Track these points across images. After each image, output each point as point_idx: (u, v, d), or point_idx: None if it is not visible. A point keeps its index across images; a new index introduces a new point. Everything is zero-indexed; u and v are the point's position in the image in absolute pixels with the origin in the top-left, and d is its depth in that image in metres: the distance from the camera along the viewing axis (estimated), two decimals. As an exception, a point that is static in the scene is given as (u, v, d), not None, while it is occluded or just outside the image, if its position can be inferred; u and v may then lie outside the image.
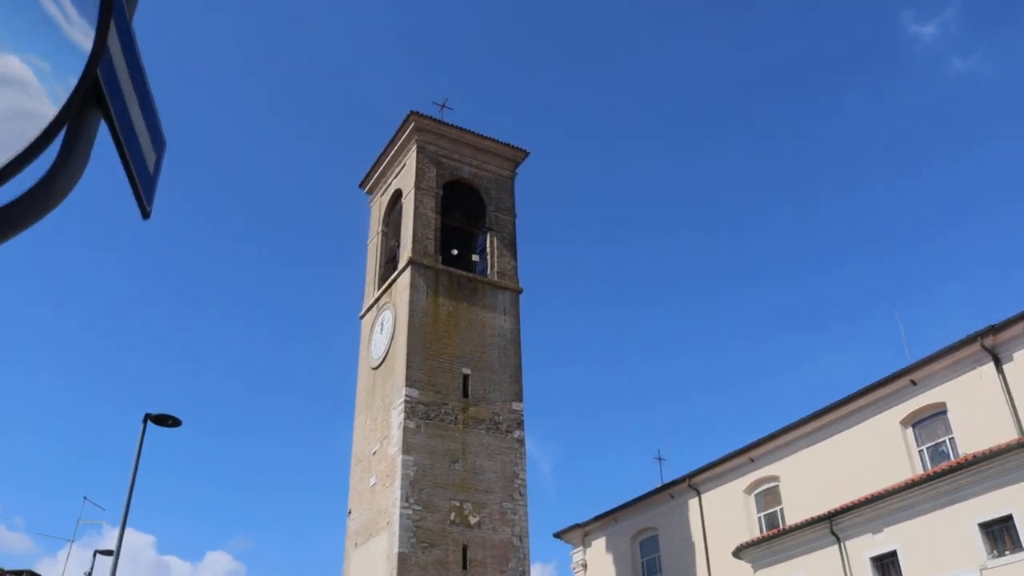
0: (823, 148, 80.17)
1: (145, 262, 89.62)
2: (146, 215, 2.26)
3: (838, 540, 23.72)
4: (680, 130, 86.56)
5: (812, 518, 24.89)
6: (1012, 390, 25.36)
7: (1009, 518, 20.05)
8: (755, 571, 26.61)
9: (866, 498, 23.72)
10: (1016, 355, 25.58)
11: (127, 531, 18.76)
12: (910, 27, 77.56)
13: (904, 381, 28.23)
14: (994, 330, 25.72)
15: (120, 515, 18.04)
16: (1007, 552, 20.07)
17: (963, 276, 72.90)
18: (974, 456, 21.14)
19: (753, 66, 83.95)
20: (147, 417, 18.63)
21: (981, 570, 20.39)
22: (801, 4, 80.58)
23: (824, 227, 79.84)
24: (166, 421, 18.59)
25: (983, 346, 26.00)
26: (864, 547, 23.11)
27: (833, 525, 23.92)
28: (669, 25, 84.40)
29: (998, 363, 25.90)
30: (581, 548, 40.99)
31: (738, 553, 27.21)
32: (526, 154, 39.87)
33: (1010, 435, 23.64)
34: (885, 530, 22.73)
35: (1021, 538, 19.79)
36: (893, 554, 22.39)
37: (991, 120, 72.60)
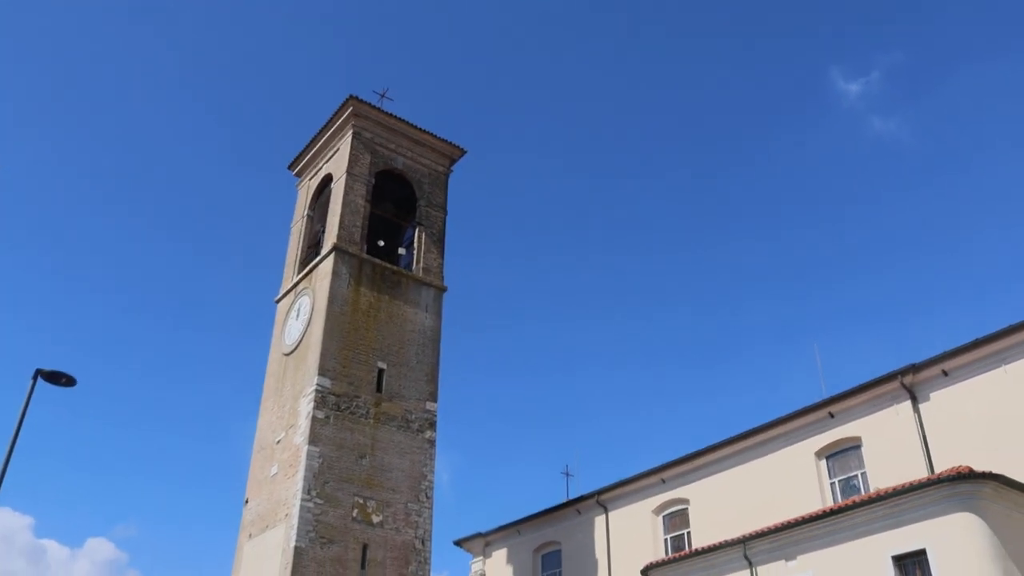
0: (747, 184, 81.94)
1: (47, 240, 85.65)
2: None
3: (750, 565, 23.35)
4: (613, 154, 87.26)
5: (726, 541, 24.52)
6: (926, 429, 25.57)
7: (923, 552, 19.98)
8: (662, 591, 26.10)
9: (782, 524, 23.45)
10: (933, 395, 25.80)
11: (2, 511, 17.12)
12: (837, 83, 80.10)
13: (822, 413, 28.25)
14: (914, 369, 25.93)
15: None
16: (918, 586, 20.00)
17: (881, 316, 75.04)
18: (894, 489, 21.04)
19: (690, 96, 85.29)
20: (37, 373, 17.02)
21: (891, 603, 20.25)
22: (739, 43, 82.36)
23: (745, 259, 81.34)
24: (59, 379, 17.03)
25: (902, 384, 26.19)
26: (776, 573, 22.78)
27: (747, 549, 23.56)
28: (619, 62, 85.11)
29: (915, 402, 26.11)
30: (481, 558, 40.04)
31: (647, 572, 26.65)
32: (463, 152, 39.12)
33: (921, 473, 23.75)
34: (799, 557, 22.45)
35: (933, 572, 19.70)
36: (805, 582, 22.15)
37: (904, 180, 75.39)
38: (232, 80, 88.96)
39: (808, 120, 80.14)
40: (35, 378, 17.15)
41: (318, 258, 34.42)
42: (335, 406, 30.26)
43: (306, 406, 30.15)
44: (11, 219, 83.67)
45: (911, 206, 74.89)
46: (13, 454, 16.57)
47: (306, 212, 37.99)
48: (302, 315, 33.62)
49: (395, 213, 37.88)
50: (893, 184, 75.93)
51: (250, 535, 30.82)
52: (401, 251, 36.88)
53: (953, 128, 74.48)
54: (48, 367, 17.22)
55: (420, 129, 37.71)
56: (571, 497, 37.10)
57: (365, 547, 28.75)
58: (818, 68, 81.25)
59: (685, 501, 32.22)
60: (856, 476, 27.21)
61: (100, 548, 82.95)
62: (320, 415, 29.75)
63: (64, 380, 17.09)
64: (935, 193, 73.89)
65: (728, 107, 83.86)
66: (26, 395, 16.76)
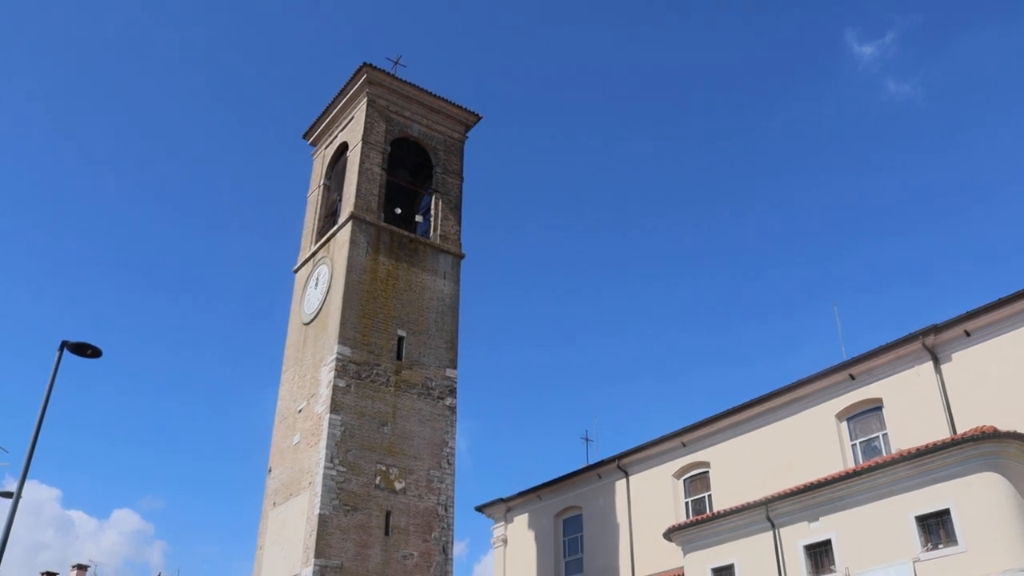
0: (763, 147, 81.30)
1: (71, 217, 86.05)
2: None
3: (773, 526, 23.43)
4: (629, 118, 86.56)
5: (748, 503, 24.57)
6: (948, 390, 25.45)
7: (947, 512, 19.97)
8: (685, 554, 26.20)
9: (805, 485, 23.48)
10: (955, 356, 25.68)
11: (31, 483, 17.32)
12: (852, 46, 79.06)
13: (843, 375, 28.17)
14: (936, 330, 25.78)
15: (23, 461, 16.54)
16: (941, 545, 20.00)
17: (900, 277, 74.68)
18: (917, 449, 20.99)
19: (705, 60, 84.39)
20: (63, 345, 17.14)
21: (914, 562, 20.28)
22: (754, 8, 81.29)
23: (762, 222, 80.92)
24: (85, 351, 17.14)
25: (924, 345, 26.06)
26: (799, 535, 22.87)
27: (769, 511, 23.62)
28: (633, 26, 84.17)
29: (936, 362, 25.98)
30: (503, 523, 40.34)
31: (669, 535, 26.79)
32: (478, 118, 38.87)
33: (943, 434, 23.66)
34: (821, 519, 22.50)
35: (957, 532, 19.71)
36: (827, 543, 22.18)
37: (920, 142, 74.59)
38: (244, 51, 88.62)
39: (823, 83, 79.39)
40: (61, 349, 17.27)
41: (335, 227, 34.41)
42: (356, 374, 30.40)
43: (327, 375, 30.30)
44: (34, 198, 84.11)
45: (927, 167, 74.32)
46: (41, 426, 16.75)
47: (322, 181, 37.93)
48: (321, 284, 33.68)
49: (411, 181, 37.75)
50: (908, 146, 75.23)
51: (274, 503, 31.14)
52: (418, 219, 36.82)
53: (968, 90, 73.64)
54: (74, 340, 17.32)
55: (435, 96, 37.48)
56: (591, 462, 37.27)
57: (388, 514, 29.02)
58: (833, 31, 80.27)
59: (706, 464, 32.29)
60: (877, 438, 27.17)
61: (127, 519, 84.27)
62: (341, 384, 29.90)
63: (90, 351, 17.20)
64: (951, 154, 73.23)
65: (743, 71, 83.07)
66: (53, 367, 16.92)
